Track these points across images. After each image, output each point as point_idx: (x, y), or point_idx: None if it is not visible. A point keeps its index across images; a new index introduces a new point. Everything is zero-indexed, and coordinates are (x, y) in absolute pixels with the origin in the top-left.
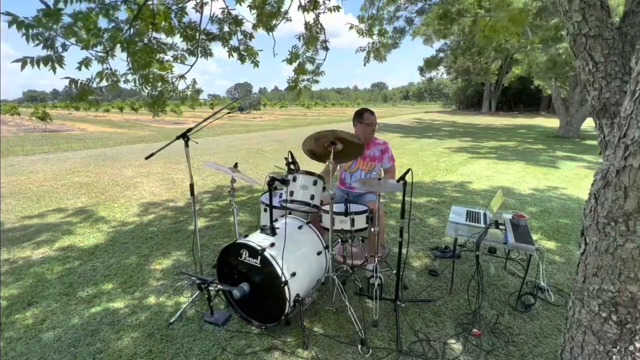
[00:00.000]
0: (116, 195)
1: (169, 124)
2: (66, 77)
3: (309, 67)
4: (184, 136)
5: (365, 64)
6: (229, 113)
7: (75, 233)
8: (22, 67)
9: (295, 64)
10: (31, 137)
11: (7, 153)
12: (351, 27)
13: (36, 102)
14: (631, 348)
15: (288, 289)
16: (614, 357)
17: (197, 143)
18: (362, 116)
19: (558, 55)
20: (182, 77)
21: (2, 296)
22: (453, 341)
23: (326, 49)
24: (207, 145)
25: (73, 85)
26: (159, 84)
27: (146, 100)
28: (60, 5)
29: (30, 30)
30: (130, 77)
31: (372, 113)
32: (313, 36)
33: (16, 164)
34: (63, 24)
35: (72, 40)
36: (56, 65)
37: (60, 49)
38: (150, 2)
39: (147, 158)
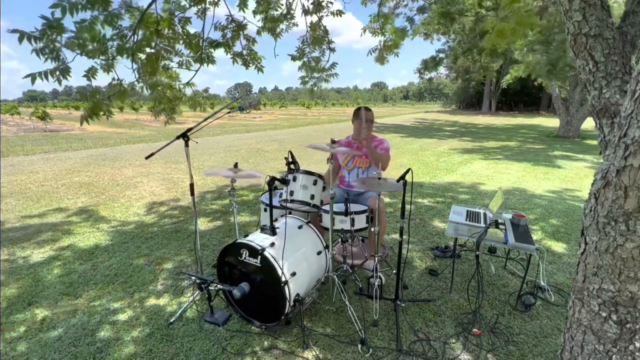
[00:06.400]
0: (116, 195)
1: (169, 124)
2: (76, 93)
3: (313, 65)
4: (184, 136)
5: (384, 63)
6: (229, 113)
7: (76, 233)
8: (33, 82)
9: (300, 62)
10: (31, 137)
11: (7, 153)
12: (364, 31)
13: (36, 102)
14: (631, 348)
15: (288, 288)
16: (613, 356)
17: (197, 143)
18: (358, 113)
19: (557, 58)
20: (188, 83)
21: (2, 296)
22: (453, 341)
23: (332, 50)
24: (207, 145)
25: (85, 100)
26: (167, 92)
27: (156, 110)
28: (59, 15)
29: (38, 43)
30: (137, 85)
31: (368, 109)
32: (317, 38)
33: (16, 163)
34: (69, 36)
35: (78, 51)
36: (61, 78)
37: (66, 60)
38: (153, 11)
39: (147, 158)
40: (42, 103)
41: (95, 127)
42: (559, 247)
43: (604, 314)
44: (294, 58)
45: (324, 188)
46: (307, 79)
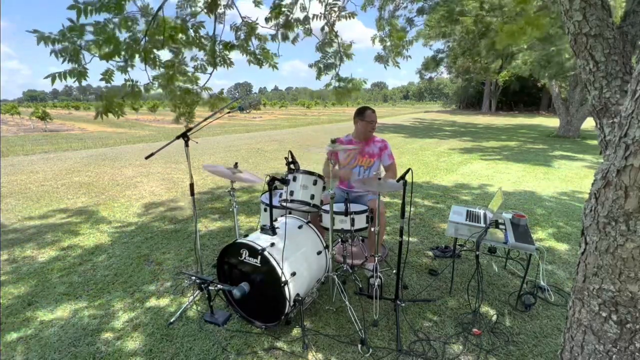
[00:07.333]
0: (116, 195)
1: (169, 124)
2: (93, 93)
3: (330, 71)
4: (184, 136)
5: (399, 67)
6: (229, 113)
7: (76, 233)
8: (52, 82)
9: (315, 69)
10: (31, 137)
11: (7, 153)
12: (373, 41)
13: (36, 102)
14: (631, 348)
15: (288, 288)
16: (614, 356)
17: (197, 143)
18: (363, 114)
19: (552, 54)
20: (205, 87)
21: (2, 296)
22: (453, 341)
23: (349, 56)
24: (207, 145)
25: (100, 100)
26: (187, 97)
27: (177, 115)
28: (82, 18)
29: (56, 45)
30: (154, 87)
31: (373, 111)
32: (346, 45)
33: (16, 163)
34: (87, 39)
35: (95, 52)
36: (80, 78)
37: (84, 62)
38: (161, 14)
39: (147, 158)
40: (42, 103)
41: (95, 127)
42: (559, 247)
43: (604, 314)
44: (312, 65)
45: (324, 188)
46: (330, 84)
